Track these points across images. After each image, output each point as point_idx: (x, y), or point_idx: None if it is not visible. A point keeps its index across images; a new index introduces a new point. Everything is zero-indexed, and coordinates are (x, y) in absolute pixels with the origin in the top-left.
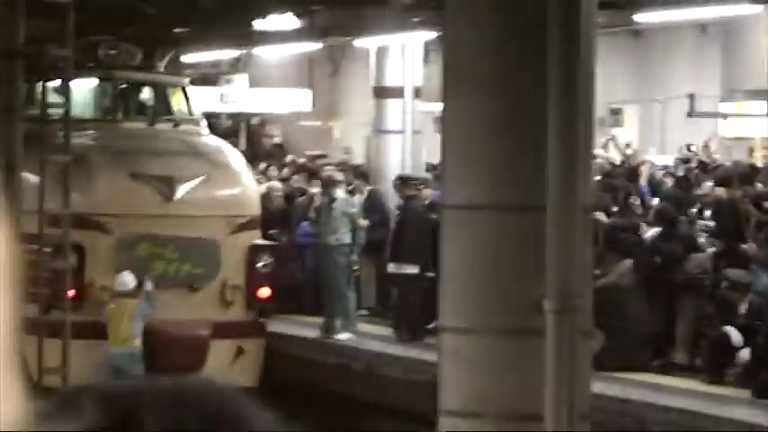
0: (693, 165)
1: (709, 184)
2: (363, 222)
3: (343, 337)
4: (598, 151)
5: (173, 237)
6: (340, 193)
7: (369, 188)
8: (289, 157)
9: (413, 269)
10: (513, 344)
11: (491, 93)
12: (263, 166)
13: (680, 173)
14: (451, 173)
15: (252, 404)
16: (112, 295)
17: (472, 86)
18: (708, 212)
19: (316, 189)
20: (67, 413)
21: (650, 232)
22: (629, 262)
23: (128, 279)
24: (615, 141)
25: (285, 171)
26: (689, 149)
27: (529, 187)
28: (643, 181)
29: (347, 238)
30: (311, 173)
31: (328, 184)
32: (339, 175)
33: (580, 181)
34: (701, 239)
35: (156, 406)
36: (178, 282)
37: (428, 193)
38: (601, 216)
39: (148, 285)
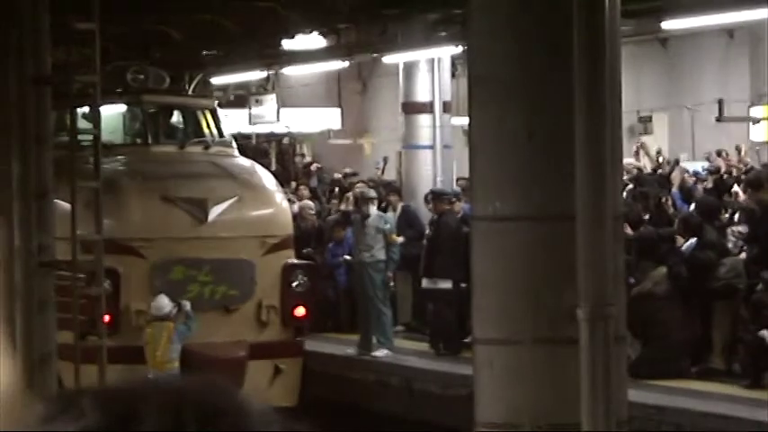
0: (723, 169)
1: (739, 188)
2: (398, 238)
3: (380, 353)
4: (629, 160)
5: (207, 259)
6: (373, 209)
7: (402, 204)
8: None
9: (446, 284)
10: (547, 353)
11: (517, 104)
12: (293, 185)
13: (709, 184)
14: (480, 185)
15: (253, 404)
16: (149, 319)
17: (498, 98)
18: (738, 217)
19: (343, 206)
20: (67, 414)
21: (686, 245)
22: (663, 269)
23: (163, 303)
24: (645, 149)
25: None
26: (718, 154)
27: (558, 197)
28: (675, 187)
29: (381, 255)
30: (343, 191)
31: (360, 201)
32: (371, 192)
33: (609, 189)
34: (730, 244)
35: (155, 406)
36: (213, 304)
37: (459, 207)
38: (627, 229)
39: (187, 306)
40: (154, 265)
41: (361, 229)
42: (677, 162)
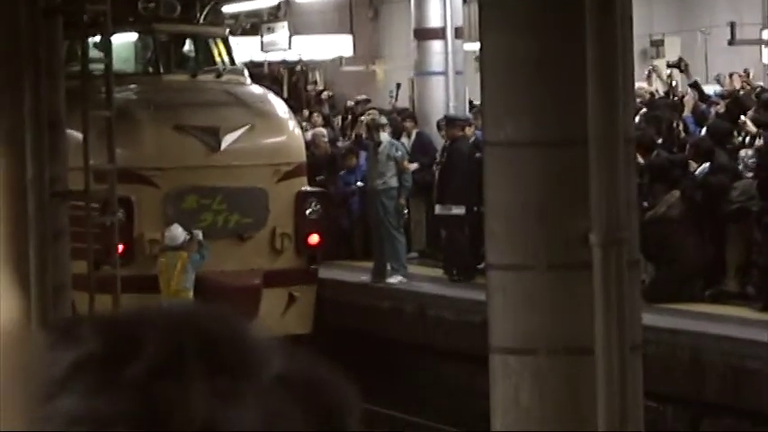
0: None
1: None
2: (412, 165)
3: (394, 280)
4: (641, 84)
5: (219, 187)
6: (384, 136)
7: (417, 130)
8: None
9: (459, 210)
10: (560, 278)
11: (528, 28)
12: (306, 113)
13: (721, 109)
14: (491, 110)
15: (258, 334)
16: (162, 249)
17: (509, 23)
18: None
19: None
20: (67, 341)
21: (699, 169)
22: (676, 193)
23: (177, 233)
24: (658, 72)
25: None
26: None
27: (571, 121)
28: (687, 111)
29: (394, 182)
30: (355, 118)
31: (371, 129)
32: (382, 119)
33: (621, 112)
34: (740, 167)
35: (156, 333)
36: (227, 232)
37: (471, 133)
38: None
39: (199, 236)
40: (167, 195)
41: (373, 157)
42: (694, 84)
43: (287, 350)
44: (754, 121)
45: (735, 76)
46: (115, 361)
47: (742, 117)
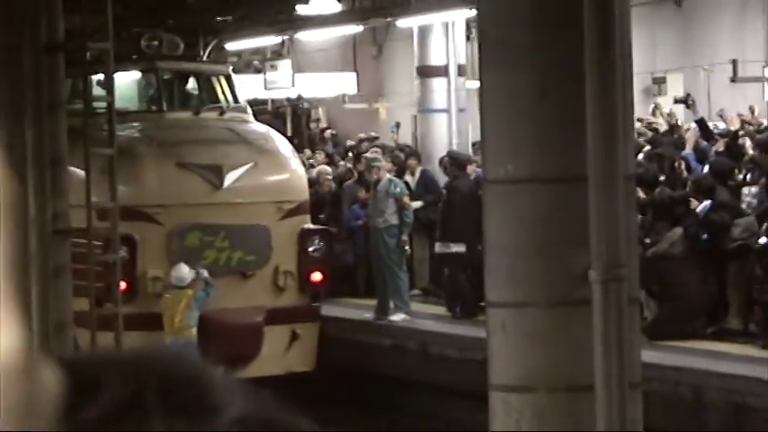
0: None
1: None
2: (415, 204)
3: (397, 318)
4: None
5: (222, 225)
6: (383, 173)
7: (420, 168)
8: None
9: (459, 248)
10: (560, 315)
11: (527, 64)
12: (309, 152)
13: (720, 147)
14: (491, 147)
15: (220, 377)
16: (167, 286)
17: (508, 59)
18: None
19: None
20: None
21: (700, 207)
22: (678, 230)
23: (184, 273)
24: (660, 109)
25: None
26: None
27: (570, 158)
28: (688, 148)
29: (394, 219)
30: (359, 156)
31: (367, 168)
32: (378, 158)
33: (620, 149)
34: (744, 205)
35: (115, 376)
36: (230, 270)
37: (472, 171)
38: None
39: (205, 274)
40: (170, 232)
41: (373, 195)
42: (700, 121)
43: (248, 392)
44: (752, 160)
45: (733, 116)
46: (72, 403)
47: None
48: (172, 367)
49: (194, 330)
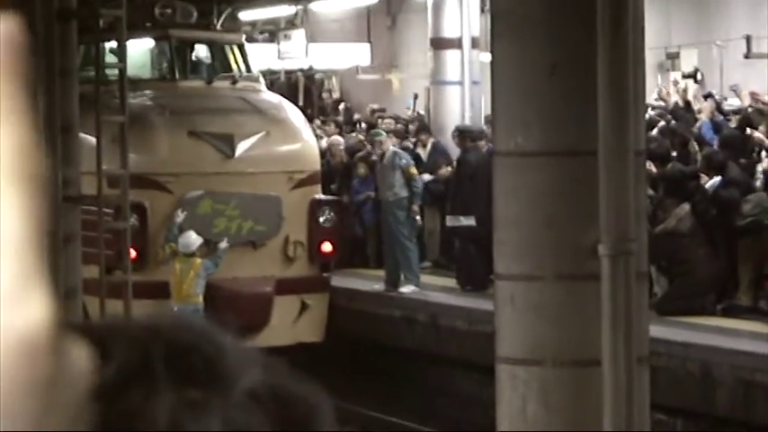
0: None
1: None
2: (425, 176)
3: (406, 289)
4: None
5: (234, 193)
6: (388, 146)
7: (432, 140)
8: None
9: (469, 221)
10: (568, 289)
11: (539, 37)
12: (319, 121)
13: (733, 124)
14: (501, 120)
15: (232, 344)
16: (175, 253)
17: (521, 31)
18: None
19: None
20: None
21: (710, 182)
22: (686, 206)
23: (191, 240)
24: (677, 85)
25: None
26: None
27: (580, 132)
28: (706, 116)
29: (404, 192)
30: (370, 127)
31: (372, 142)
32: (381, 133)
33: (631, 124)
34: (758, 183)
35: (122, 343)
36: (240, 239)
37: (483, 144)
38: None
39: (224, 244)
40: (181, 199)
41: (380, 169)
42: (708, 95)
43: (261, 362)
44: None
45: (746, 93)
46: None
47: (750, 131)
48: (183, 335)
49: (200, 298)
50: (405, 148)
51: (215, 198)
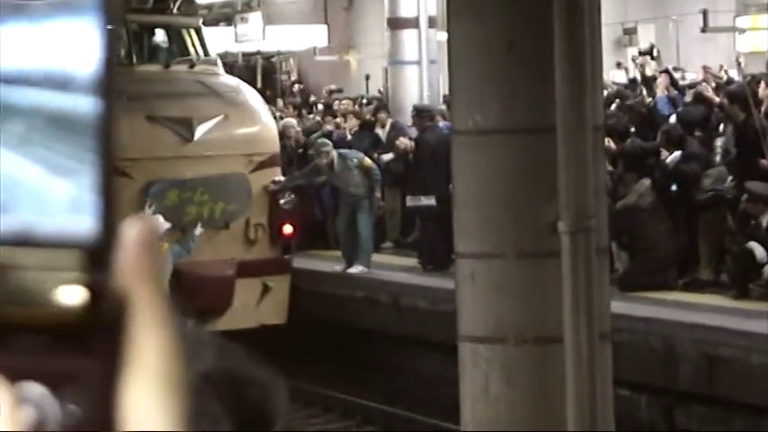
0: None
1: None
2: (384, 157)
3: (355, 270)
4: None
5: (199, 178)
6: (332, 155)
7: (391, 120)
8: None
9: (430, 201)
10: (529, 267)
11: (495, 16)
12: (280, 103)
13: (688, 98)
14: (459, 98)
15: (190, 327)
16: None
17: (476, 10)
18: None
19: (329, 126)
20: None
21: (670, 157)
22: (646, 182)
23: (159, 221)
24: (636, 61)
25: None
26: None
27: (538, 109)
28: (660, 91)
29: (364, 186)
30: (326, 107)
31: (317, 156)
32: (325, 143)
33: (589, 100)
34: (718, 157)
35: None
36: (215, 222)
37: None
38: (610, 143)
39: (198, 230)
40: (147, 192)
41: (335, 176)
42: (665, 71)
43: (215, 345)
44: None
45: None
46: None
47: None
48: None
49: (165, 283)
50: (364, 127)
51: (180, 187)
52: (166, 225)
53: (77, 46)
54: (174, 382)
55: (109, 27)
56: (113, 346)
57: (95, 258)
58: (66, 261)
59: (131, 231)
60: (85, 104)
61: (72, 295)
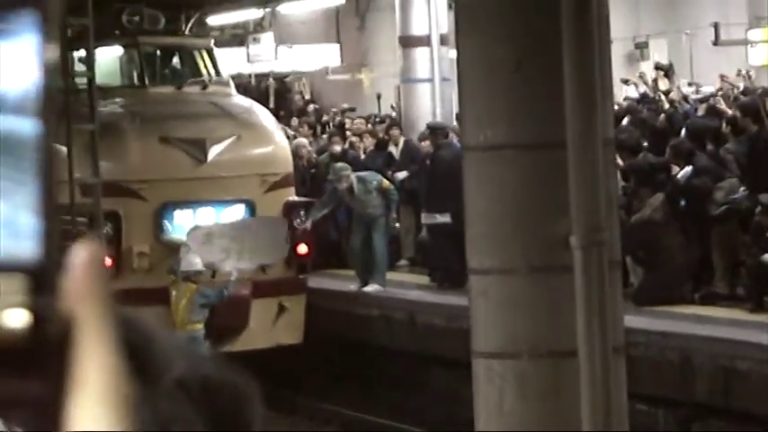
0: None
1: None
2: (399, 175)
3: (370, 289)
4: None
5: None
6: (350, 179)
7: (404, 138)
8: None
9: (444, 218)
10: (542, 282)
11: (505, 32)
12: (295, 122)
13: (700, 113)
14: (469, 114)
15: (161, 334)
16: (170, 271)
17: (485, 27)
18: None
19: (337, 147)
20: None
21: (682, 172)
22: (660, 196)
23: (195, 260)
24: (644, 78)
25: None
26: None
27: (549, 124)
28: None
29: (383, 206)
30: (339, 127)
31: (337, 181)
32: (344, 169)
33: (599, 114)
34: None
35: None
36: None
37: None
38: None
39: (234, 275)
40: (157, 212)
41: (354, 200)
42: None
43: (190, 353)
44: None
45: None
46: None
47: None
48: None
49: (199, 326)
50: (379, 147)
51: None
52: (200, 264)
53: (15, 67)
54: (118, 399)
55: (46, 48)
56: (59, 369)
57: (38, 281)
58: (8, 285)
59: (78, 254)
60: (24, 126)
61: (15, 318)
